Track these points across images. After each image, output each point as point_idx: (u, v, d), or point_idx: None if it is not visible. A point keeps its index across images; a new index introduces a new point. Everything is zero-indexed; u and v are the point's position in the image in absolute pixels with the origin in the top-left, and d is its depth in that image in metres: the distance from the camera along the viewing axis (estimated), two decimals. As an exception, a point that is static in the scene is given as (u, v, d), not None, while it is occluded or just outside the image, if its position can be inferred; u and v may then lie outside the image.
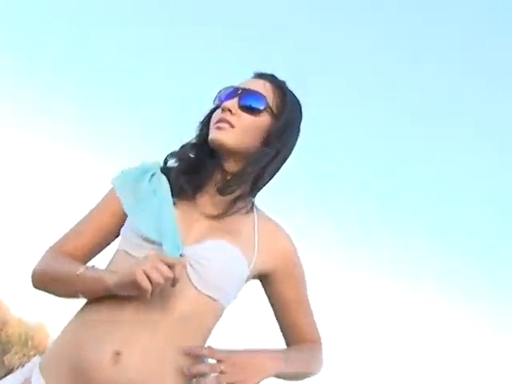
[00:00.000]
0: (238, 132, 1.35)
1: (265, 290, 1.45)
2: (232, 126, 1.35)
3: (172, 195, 1.36)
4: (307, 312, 1.47)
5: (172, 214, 1.31)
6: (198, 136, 1.42)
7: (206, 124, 1.42)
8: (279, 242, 1.42)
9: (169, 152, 1.43)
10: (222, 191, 1.35)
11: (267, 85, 1.41)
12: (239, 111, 1.36)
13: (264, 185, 1.41)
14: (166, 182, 1.38)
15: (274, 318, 1.47)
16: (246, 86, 1.40)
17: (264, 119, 1.38)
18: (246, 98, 1.37)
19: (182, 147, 1.43)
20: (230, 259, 1.31)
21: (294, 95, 1.45)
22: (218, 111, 1.38)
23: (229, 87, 1.42)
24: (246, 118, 1.36)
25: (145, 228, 1.29)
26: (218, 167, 1.38)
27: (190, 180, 1.37)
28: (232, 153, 1.36)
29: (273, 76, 1.46)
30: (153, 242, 1.28)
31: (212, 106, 1.44)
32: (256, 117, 1.37)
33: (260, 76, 1.45)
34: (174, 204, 1.34)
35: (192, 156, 1.41)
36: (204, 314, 1.29)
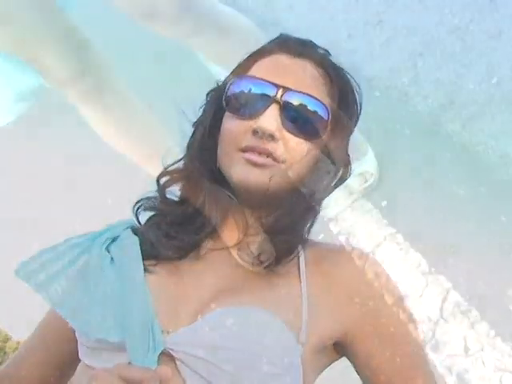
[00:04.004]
0: (287, 170, 0.83)
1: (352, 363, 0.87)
2: (277, 161, 0.82)
3: (148, 258, 0.85)
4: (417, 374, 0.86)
5: (142, 288, 0.80)
6: (196, 158, 0.88)
7: (208, 135, 0.88)
8: (343, 283, 0.84)
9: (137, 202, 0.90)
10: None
11: (314, 72, 0.85)
12: (286, 134, 0.82)
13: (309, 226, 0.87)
14: (136, 243, 0.85)
15: None
16: (290, 83, 0.82)
17: (321, 142, 0.86)
18: (297, 114, 0.82)
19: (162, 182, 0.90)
20: (260, 339, 0.76)
21: (353, 85, 0.90)
22: (242, 126, 0.83)
23: (257, 80, 0.83)
24: (298, 146, 0.83)
25: (91, 325, 0.78)
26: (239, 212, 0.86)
27: (183, 233, 0.85)
28: (268, 198, 0.82)
29: (321, 51, 0.89)
30: (115, 344, 0.77)
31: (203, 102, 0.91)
32: (313, 143, 0.84)
33: (299, 52, 0.86)
34: (147, 271, 0.83)
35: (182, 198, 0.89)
36: None
